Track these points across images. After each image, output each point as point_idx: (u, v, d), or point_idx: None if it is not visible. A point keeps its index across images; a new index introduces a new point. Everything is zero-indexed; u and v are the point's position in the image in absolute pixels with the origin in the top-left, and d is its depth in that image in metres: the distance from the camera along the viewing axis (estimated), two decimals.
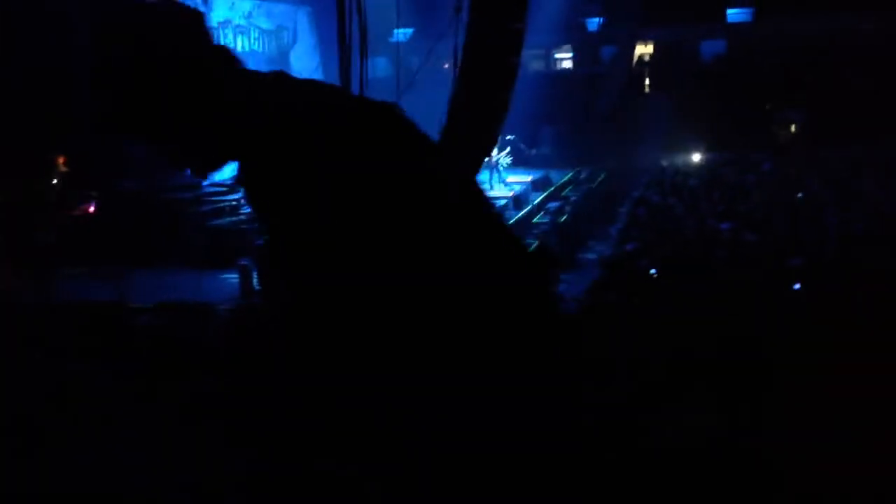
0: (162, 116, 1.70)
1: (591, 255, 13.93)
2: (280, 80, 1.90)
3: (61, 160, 11.89)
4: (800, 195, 13.94)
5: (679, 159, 19.24)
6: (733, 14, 23.09)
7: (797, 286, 8.75)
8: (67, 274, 10.89)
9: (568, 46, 25.88)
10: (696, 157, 20.45)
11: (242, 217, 14.14)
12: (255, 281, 11.47)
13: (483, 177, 16.85)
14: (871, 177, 15.41)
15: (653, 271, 9.50)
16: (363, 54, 9.69)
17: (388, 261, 1.71)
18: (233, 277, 11.88)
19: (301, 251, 1.74)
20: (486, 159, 12.88)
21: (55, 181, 12.02)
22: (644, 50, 25.20)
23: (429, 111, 13.49)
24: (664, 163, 18.74)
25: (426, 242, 1.74)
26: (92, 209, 12.52)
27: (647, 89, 24.73)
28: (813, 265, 9.27)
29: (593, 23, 24.08)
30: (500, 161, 17.87)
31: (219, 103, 1.75)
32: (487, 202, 1.93)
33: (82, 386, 7.80)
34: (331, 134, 1.68)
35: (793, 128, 22.77)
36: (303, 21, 20.58)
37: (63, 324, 9.28)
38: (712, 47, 24.01)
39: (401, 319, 1.79)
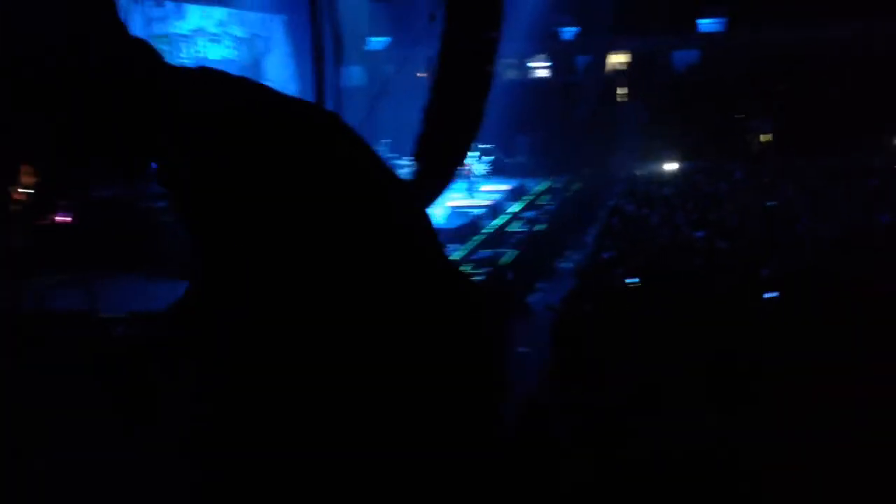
0: (72, 115, 1.62)
1: (567, 264, 13.98)
2: (207, 78, 1.82)
3: (29, 170, 11.72)
4: (772, 203, 14.07)
5: (653, 168, 19.37)
6: (706, 24, 23.32)
7: (771, 294, 8.83)
8: (41, 282, 10.73)
9: (543, 55, 25.98)
10: (670, 166, 20.59)
11: None
12: None
13: (459, 186, 16.86)
14: (843, 185, 15.60)
15: (635, 280, 9.53)
16: (338, 63, 9.68)
17: (310, 278, 1.66)
18: None
19: (223, 259, 1.68)
20: (462, 168, 12.87)
21: (29, 188, 11.84)
22: (618, 59, 25.37)
23: (404, 119, 13.53)
24: (638, 171, 18.85)
25: (359, 264, 1.69)
26: (67, 216, 12.35)
27: (621, 98, 24.89)
28: (786, 273, 9.35)
29: (568, 32, 24.20)
30: (476, 170, 17.87)
31: (137, 100, 1.66)
32: (429, 227, 1.88)
33: (49, 399, 7.68)
34: (262, 138, 1.61)
35: (765, 136, 23.02)
36: (278, 29, 20.48)
37: (33, 333, 9.14)
38: (686, 57, 24.23)
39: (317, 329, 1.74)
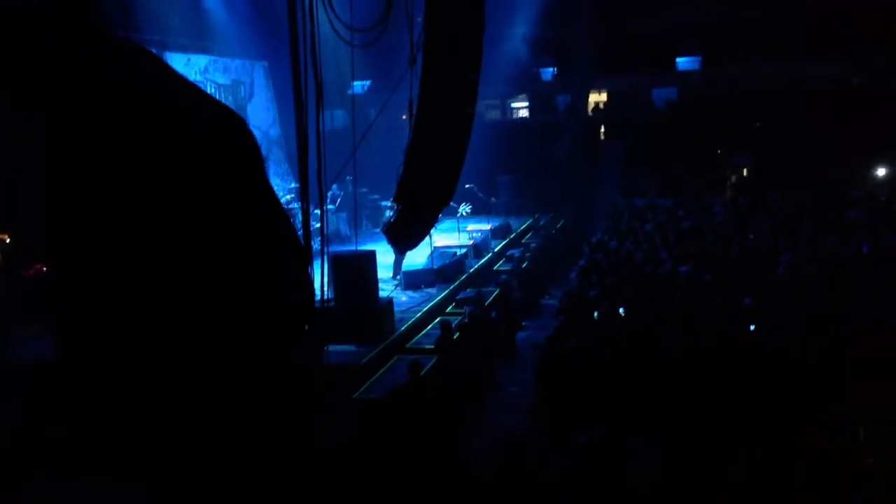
0: None
1: (552, 301, 14.01)
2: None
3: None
4: (751, 237, 14.19)
5: (635, 203, 19.54)
6: (683, 62, 23.74)
7: (752, 327, 8.90)
8: (22, 332, 10.66)
9: (523, 96, 26.31)
10: (652, 201, 20.78)
11: None
12: None
13: (444, 226, 16.94)
14: (822, 217, 15.77)
15: (621, 315, 9.56)
16: (319, 107, 9.73)
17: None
18: None
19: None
20: (446, 208, 12.95)
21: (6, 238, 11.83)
22: (598, 98, 25.73)
23: (387, 162, 13.61)
24: (620, 207, 18.99)
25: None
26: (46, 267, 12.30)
27: (601, 136, 25.18)
28: (766, 306, 9.43)
29: (547, 72, 24.55)
30: (460, 210, 17.97)
31: None
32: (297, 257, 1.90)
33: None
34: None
35: (743, 171, 23.31)
36: (259, 75, 20.69)
37: (14, 382, 9.05)
38: (664, 94, 24.60)
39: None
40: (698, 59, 23.90)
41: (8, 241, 11.92)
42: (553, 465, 5.91)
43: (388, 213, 14.44)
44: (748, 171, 23.00)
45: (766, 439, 6.30)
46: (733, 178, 22.96)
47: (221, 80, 18.86)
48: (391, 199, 12.83)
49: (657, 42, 22.99)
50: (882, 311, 8.94)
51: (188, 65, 17.48)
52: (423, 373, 9.60)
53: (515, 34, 21.99)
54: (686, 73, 23.93)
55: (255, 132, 20.24)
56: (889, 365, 7.36)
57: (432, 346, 10.87)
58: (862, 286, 10.24)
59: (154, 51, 16.13)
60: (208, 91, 18.25)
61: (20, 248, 11.98)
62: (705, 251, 13.04)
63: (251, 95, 20.35)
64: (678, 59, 23.73)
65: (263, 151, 20.87)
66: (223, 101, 18.89)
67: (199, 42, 17.77)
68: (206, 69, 18.20)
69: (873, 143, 19.56)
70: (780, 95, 21.78)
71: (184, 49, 17.33)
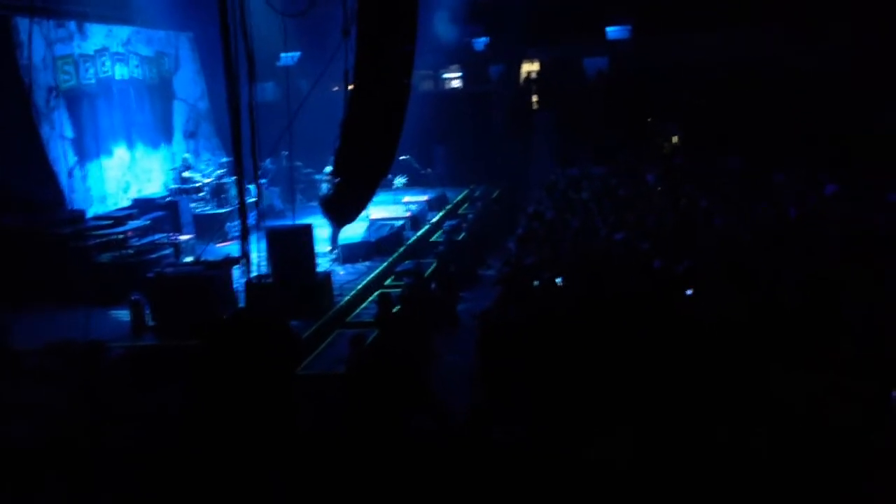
0: None
1: (490, 272, 14.06)
2: None
3: None
4: (683, 202, 14.46)
5: (570, 173, 19.69)
6: (612, 31, 23.87)
7: (688, 291, 9.08)
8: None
9: (456, 66, 26.15)
10: (585, 171, 20.99)
11: (130, 251, 13.60)
12: (147, 316, 11.06)
13: (382, 198, 16.82)
14: (749, 183, 16.17)
15: (558, 283, 9.63)
16: (252, 80, 9.52)
17: None
18: (122, 313, 11.42)
19: None
20: (383, 180, 12.84)
21: None
22: (530, 67, 25.74)
23: (320, 134, 13.39)
24: (555, 177, 19.12)
25: None
26: None
27: (535, 105, 25.24)
28: (702, 270, 9.62)
29: (479, 42, 24.42)
30: (396, 182, 17.87)
31: None
32: None
33: None
34: None
35: (674, 139, 23.68)
36: (185, 47, 20.06)
37: None
38: (596, 63, 24.74)
39: None
40: (628, 28, 24.06)
41: None
42: (502, 436, 5.95)
43: (324, 187, 14.27)
44: (678, 139, 23.38)
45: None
46: (665, 146, 23.32)
47: (145, 51, 18.22)
48: (326, 172, 12.68)
49: (588, 11, 23.05)
50: (810, 274, 9.20)
51: (109, 36, 16.83)
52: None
53: (447, 3, 21.79)
54: (616, 42, 24.08)
55: (183, 105, 19.74)
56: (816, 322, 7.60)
57: (372, 320, 10.82)
58: (792, 249, 10.54)
59: (73, 22, 15.53)
60: (132, 63, 17.65)
61: None
62: (640, 219, 13.23)
63: (177, 68, 19.73)
64: (608, 29, 23.85)
65: (192, 125, 20.50)
66: (148, 72, 18.29)
67: (120, 13, 17.10)
68: (128, 41, 17.55)
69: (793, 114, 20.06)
70: (708, 64, 22.12)
71: (105, 20, 16.66)
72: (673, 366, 7.18)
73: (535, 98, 25.28)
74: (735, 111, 20.86)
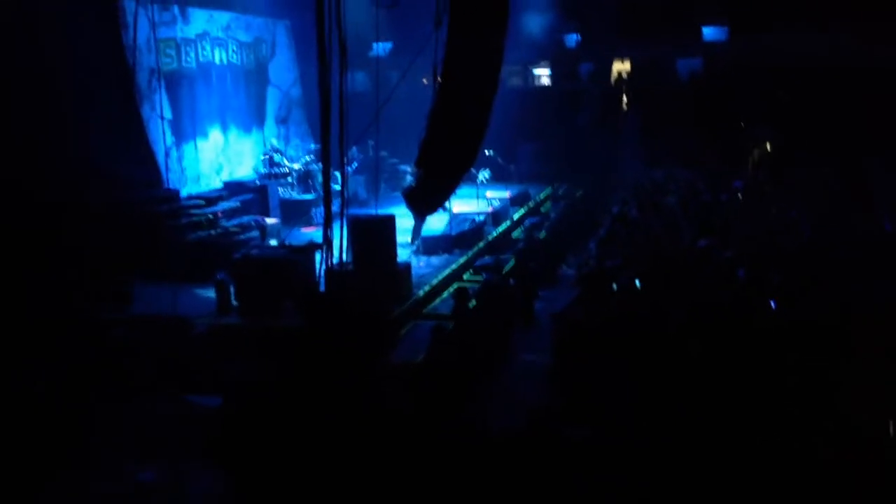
0: None
1: (570, 271, 13.96)
2: None
3: None
4: (773, 211, 14.07)
5: (656, 175, 19.36)
6: (709, 32, 23.33)
7: (773, 304, 8.84)
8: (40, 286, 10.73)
9: (546, 63, 26.00)
10: (673, 173, 20.60)
11: (219, 231, 14.01)
12: (232, 296, 11.36)
13: (463, 192, 16.86)
14: (846, 194, 15.60)
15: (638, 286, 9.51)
16: (343, 69, 9.66)
17: None
18: (209, 291, 11.77)
19: None
20: (467, 175, 12.87)
21: None
22: (622, 67, 25.39)
23: (407, 125, 13.50)
24: (641, 178, 18.83)
25: None
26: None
27: (624, 106, 24.89)
28: (790, 282, 9.35)
29: (571, 39, 24.22)
30: (480, 176, 17.89)
31: None
32: None
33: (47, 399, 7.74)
34: None
35: (766, 145, 23.02)
36: (281, 34, 20.52)
37: (33, 335, 9.17)
38: (689, 64, 24.24)
39: None
40: (724, 29, 23.47)
41: None
42: (572, 434, 5.92)
43: (409, 178, 14.39)
44: (771, 145, 22.70)
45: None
46: (756, 152, 22.68)
47: (243, 37, 18.72)
48: (411, 163, 12.79)
49: (683, 10, 22.59)
50: None
51: (210, 21, 17.36)
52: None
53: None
54: (711, 44, 23.52)
55: (277, 92, 20.23)
56: None
57: (449, 313, 10.88)
58: (884, 265, 10.14)
59: (177, 6, 16.07)
60: (230, 48, 18.16)
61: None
62: (726, 226, 12.92)
63: (273, 54, 20.20)
64: (704, 29, 23.32)
65: (284, 112, 20.97)
66: (245, 58, 18.79)
67: None
68: (228, 26, 18.07)
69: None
70: (808, 68, 21.39)
71: (206, 5, 17.20)
72: (748, 376, 7.02)
73: (624, 98, 24.92)
74: (833, 118, 20.10)
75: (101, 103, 13.29)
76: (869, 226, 12.60)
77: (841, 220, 13.15)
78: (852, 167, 17.60)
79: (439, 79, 10.61)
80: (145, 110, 14.94)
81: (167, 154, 15.29)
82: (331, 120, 9.87)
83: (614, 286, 9.93)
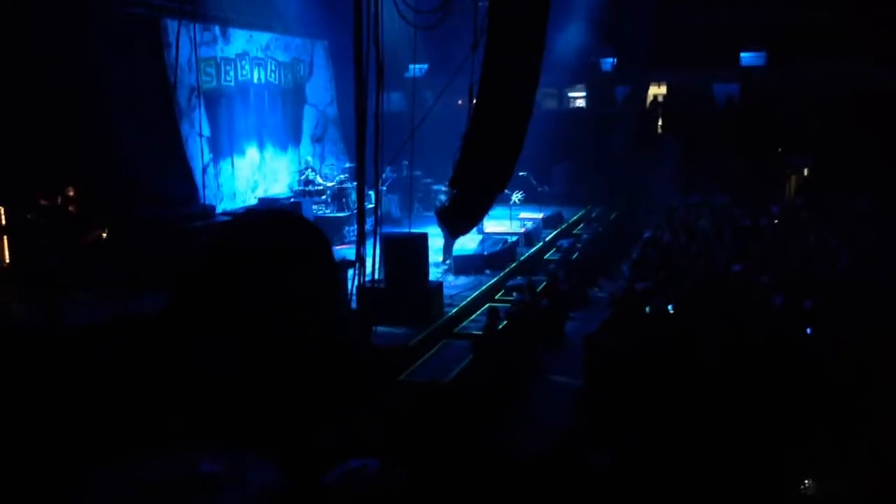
0: None
1: (602, 294, 13.90)
2: None
3: (70, 190, 11.99)
4: (811, 238, 13.89)
5: (690, 199, 19.23)
6: (747, 58, 23.21)
7: (809, 330, 8.72)
8: (76, 299, 10.89)
9: (581, 85, 26.03)
10: (707, 198, 20.49)
11: None
12: None
13: (498, 213, 16.90)
14: (883, 225, 15.36)
15: (670, 310, 9.44)
16: (380, 88, 9.76)
17: None
18: None
19: None
20: (500, 195, 12.90)
21: (68, 206, 12.08)
22: (657, 90, 25.33)
23: (441, 146, 13.59)
24: (676, 202, 18.72)
25: None
26: (104, 235, 12.55)
27: (659, 129, 24.80)
28: (825, 309, 9.22)
29: (607, 63, 24.23)
30: (514, 197, 17.91)
31: None
32: None
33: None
34: None
35: (804, 171, 22.78)
36: (319, 54, 20.80)
37: (71, 347, 9.28)
38: (726, 89, 24.12)
39: None
40: (762, 54, 23.34)
41: (73, 195, 12.16)
42: (596, 460, 5.88)
43: (442, 197, 14.46)
44: (808, 171, 22.46)
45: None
46: (793, 179, 22.45)
47: (282, 57, 19.01)
48: (445, 182, 12.86)
49: (721, 36, 22.51)
50: None
51: (250, 41, 17.66)
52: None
53: (576, 22, 21.74)
54: (749, 69, 23.39)
55: (313, 111, 20.40)
56: None
57: (480, 332, 10.87)
58: None
59: (218, 27, 16.37)
60: (269, 68, 18.44)
61: (83, 207, 12.26)
62: (762, 251, 12.79)
63: (310, 74, 20.48)
64: (742, 54, 23.20)
65: (320, 130, 21.17)
66: (283, 77, 19.06)
67: (261, 19, 17.92)
68: (267, 46, 18.37)
69: None
70: (844, 96, 21.18)
71: (247, 26, 17.49)
72: (783, 405, 6.92)
73: (659, 122, 24.84)
74: (870, 146, 19.85)
75: (144, 121, 13.55)
76: None
77: (879, 247, 12.94)
78: (889, 193, 17.34)
79: (475, 100, 10.68)
80: (184, 128, 15.21)
81: (204, 171, 15.52)
82: (366, 139, 9.97)
83: (647, 309, 9.86)
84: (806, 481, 5.72)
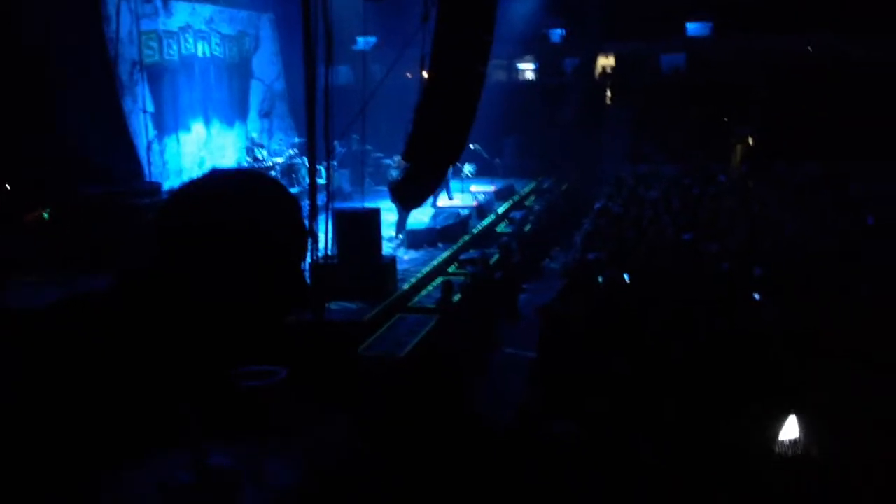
0: None
1: (554, 265, 14.01)
2: None
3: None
4: (756, 207, 14.15)
5: (640, 169, 19.44)
6: (693, 28, 23.43)
7: (757, 296, 8.89)
8: (19, 281, 10.61)
9: (531, 57, 26.02)
10: (656, 168, 20.73)
11: None
12: None
13: (450, 186, 16.89)
14: (827, 190, 15.72)
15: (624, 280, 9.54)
16: (328, 62, 9.61)
17: None
18: None
19: None
20: (451, 168, 12.88)
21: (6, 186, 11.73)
22: (606, 62, 25.44)
23: (391, 119, 13.47)
24: (625, 173, 18.90)
25: None
26: (45, 215, 12.21)
27: (608, 100, 24.96)
28: (771, 277, 9.41)
29: (556, 34, 24.24)
30: (465, 170, 17.89)
31: None
32: None
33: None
34: None
35: (749, 140, 23.16)
36: (265, 27, 20.40)
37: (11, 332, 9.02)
38: (673, 60, 24.34)
39: None
40: (708, 25, 23.58)
41: (7, 187, 11.83)
42: (559, 430, 5.92)
43: (393, 172, 14.38)
44: (753, 140, 22.85)
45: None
46: (738, 147, 22.82)
47: (226, 30, 18.59)
48: (396, 156, 12.79)
49: (668, 6, 22.68)
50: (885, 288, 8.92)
51: (193, 13, 17.22)
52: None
53: None
54: (695, 40, 23.63)
55: (260, 85, 19.98)
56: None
57: (434, 306, 10.87)
58: (867, 260, 10.23)
59: (160, 0, 15.93)
60: (213, 41, 18.03)
61: (19, 195, 11.91)
62: (711, 220, 13.00)
63: (256, 48, 20.09)
64: (688, 25, 23.41)
65: (267, 105, 20.77)
66: (228, 51, 18.66)
67: None
68: (211, 19, 17.93)
69: (873, 119, 19.38)
70: (788, 66, 21.55)
71: None
72: (732, 370, 7.05)
73: (608, 93, 24.99)
74: (815, 114, 20.26)
75: (85, 97, 13.16)
76: (850, 220, 12.70)
77: (823, 214, 13.25)
78: (833, 162, 17.74)
79: (426, 73, 10.60)
80: (127, 103, 14.81)
81: (149, 147, 15.18)
82: (316, 114, 9.83)
83: (600, 279, 9.95)
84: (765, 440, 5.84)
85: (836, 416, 5.97)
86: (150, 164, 14.76)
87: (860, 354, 7.02)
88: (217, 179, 2.17)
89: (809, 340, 7.53)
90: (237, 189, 2.11)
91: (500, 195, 18.64)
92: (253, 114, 19.91)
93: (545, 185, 20.39)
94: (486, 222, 16.41)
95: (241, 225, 2.00)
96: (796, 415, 5.76)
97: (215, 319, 2.00)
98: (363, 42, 19.17)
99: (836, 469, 5.47)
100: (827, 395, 6.29)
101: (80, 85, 13.06)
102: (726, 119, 23.04)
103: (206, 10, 17.77)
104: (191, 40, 17.19)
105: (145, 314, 2.20)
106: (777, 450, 5.71)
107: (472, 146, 16.98)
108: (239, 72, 19.29)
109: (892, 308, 8.14)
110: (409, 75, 16.32)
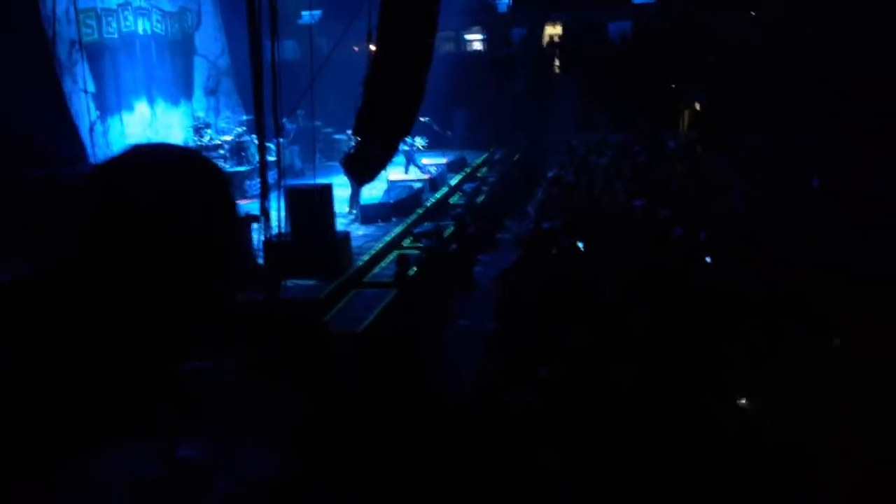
0: None
1: (507, 236, 14.07)
2: None
3: None
4: (703, 171, 14.37)
5: (590, 138, 19.57)
6: None
7: (708, 259, 9.05)
8: None
9: (478, 28, 25.92)
10: (606, 136, 20.87)
11: None
12: None
13: (400, 159, 16.78)
14: (769, 154, 16.00)
15: (578, 248, 9.63)
16: (274, 37, 9.46)
17: None
18: None
19: None
20: (403, 142, 12.81)
21: None
22: (553, 31, 25.47)
23: (340, 94, 13.32)
24: (576, 141, 19.01)
25: None
26: None
27: (556, 70, 25.02)
28: (721, 239, 9.58)
29: (503, 4, 24.18)
30: (416, 143, 17.81)
31: None
32: None
33: None
34: None
35: (696, 106, 23.45)
36: (206, 2, 19.93)
37: None
38: (619, 28, 24.46)
39: None
40: None
41: None
42: (516, 398, 5.98)
43: (344, 147, 14.25)
44: (702, 108, 23.14)
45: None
46: (686, 113, 23.10)
47: (167, 7, 18.14)
48: (346, 131, 12.66)
49: None
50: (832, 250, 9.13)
51: None
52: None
53: None
54: (641, 7, 23.76)
55: (204, 62, 19.53)
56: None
57: (390, 280, 10.86)
58: (814, 220, 10.46)
59: None
60: (154, 18, 17.59)
61: None
62: (661, 186, 13.16)
63: (199, 24, 19.64)
64: None
65: (213, 83, 20.29)
66: (170, 28, 18.23)
67: None
68: None
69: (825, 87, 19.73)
70: (736, 32, 21.79)
71: None
72: (688, 335, 7.18)
73: (556, 62, 25.04)
74: (760, 80, 20.56)
75: (23, 78, 12.76)
76: (795, 184, 12.97)
77: (769, 178, 13.50)
78: (780, 127, 18.04)
79: (373, 46, 10.49)
80: (67, 84, 14.38)
81: (92, 129, 14.80)
82: (263, 90, 9.68)
83: (553, 249, 10.03)
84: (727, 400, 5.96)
85: (789, 381, 6.12)
86: (93, 145, 14.40)
87: (807, 316, 7.19)
88: (139, 155, 2.06)
89: (759, 302, 7.69)
90: (160, 163, 2.02)
91: (453, 167, 18.61)
92: (198, 92, 19.50)
93: (497, 157, 20.42)
94: (438, 195, 16.39)
95: (165, 200, 1.92)
96: (752, 382, 5.88)
97: (145, 303, 1.94)
98: (308, 16, 18.87)
99: (791, 435, 5.61)
100: (780, 360, 6.43)
101: (16, 66, 12.65)
102: (673, 86, 23.27)
103: None
104: (131, 17, 16.74)
105: (73, 301, 2.10)
106: (735, 416, 5.83)
107: (422, 119, 16.90)
108: (182, 49, 18.85)
109: (836, 269, 8.34)
110: (356, 49, 16.15)
